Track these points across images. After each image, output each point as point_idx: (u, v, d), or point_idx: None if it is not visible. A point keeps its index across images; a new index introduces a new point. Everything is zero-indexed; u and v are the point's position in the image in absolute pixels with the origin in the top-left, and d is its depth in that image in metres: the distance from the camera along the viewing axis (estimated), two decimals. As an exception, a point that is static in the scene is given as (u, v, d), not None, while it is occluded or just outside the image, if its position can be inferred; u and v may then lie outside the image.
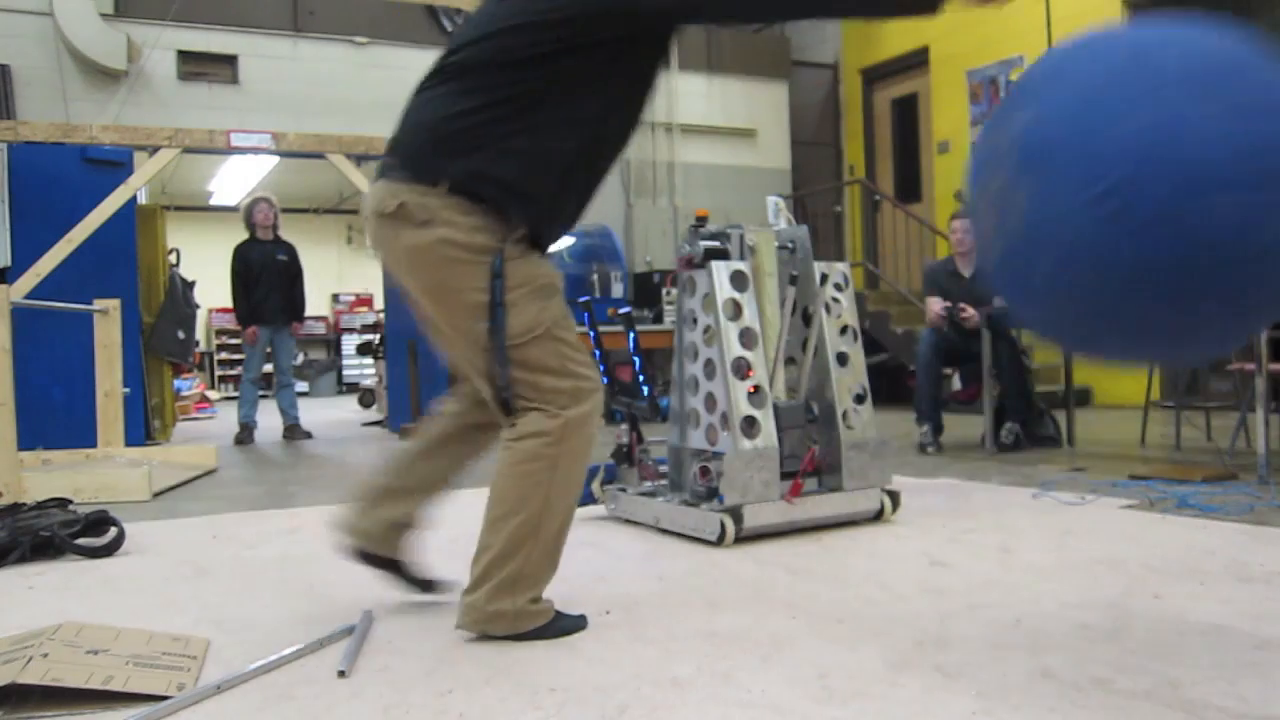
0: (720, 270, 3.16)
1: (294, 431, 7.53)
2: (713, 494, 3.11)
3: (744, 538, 3.00)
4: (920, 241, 9.43)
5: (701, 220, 3.37)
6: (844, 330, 3.38)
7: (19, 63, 7.26)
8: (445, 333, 2.05)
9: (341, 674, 1.86)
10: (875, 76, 10.51)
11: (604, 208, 9.09)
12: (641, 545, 3.05)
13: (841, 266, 3.47)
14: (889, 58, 10.19)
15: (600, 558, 2.89)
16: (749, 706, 1.64)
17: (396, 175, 1.99)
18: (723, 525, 2.96)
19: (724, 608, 2.27)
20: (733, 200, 10.06)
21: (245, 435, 7.28)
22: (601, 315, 7.95)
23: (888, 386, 9.51)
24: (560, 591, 2.46)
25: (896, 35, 9.99)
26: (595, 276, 8.21)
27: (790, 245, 3.47)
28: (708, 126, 9.93)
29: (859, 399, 3.34)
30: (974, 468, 4.59)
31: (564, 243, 8.29)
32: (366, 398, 11.71)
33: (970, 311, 5.15)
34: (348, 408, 12.29)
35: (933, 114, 9.72)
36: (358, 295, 17.66)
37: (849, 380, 3.32)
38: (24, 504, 3.46)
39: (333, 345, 17.55)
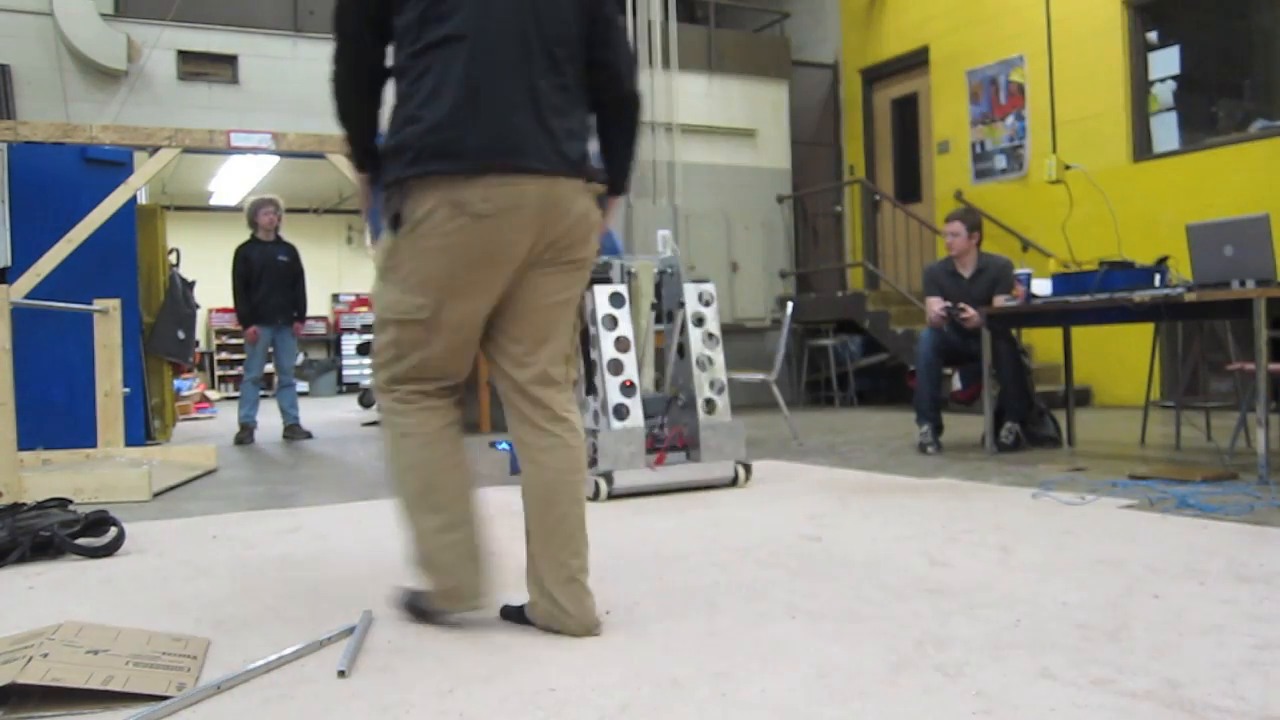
0: (601, 292, 4.08)
1: (294, 431, 7.54)
2: (594, 463, 3.99)
3: (618, 494, 3.96)
4: (920, 241, 9.42)
5: None
6: (710, 337, 4.30)
7: (19, 63, 7.26)
8: (563, 317, 2.19)
9: (341, 674, 1.86)
10: (875, 76, 10.50)
11: (604, 208, 9.06)
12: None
13: (708, 286, 4.38)
14: (889, 58, 10.18)
15: (599, 557, 2.88)
16: (749, 706, 1.64)
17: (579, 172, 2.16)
18: (597, 485, 3.93)
19: (724, 608, 2.27)
20: (732, 200, 10.05)
21: (245, 435, 7.28)
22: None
23: (888, 386, 9.53)
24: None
25: (896, 36, 9.99)
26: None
27: (670, 269, 4.46)
28: (707, 126, 9.93)
29: (719, 390, 4.27)
30: (974, 468, 4.59)
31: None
32: (366, 398, 11.70)
33: (970, 311, 5.15)
34: (348, 408, 12.29)
35: (933, 114, 9.71)
36: (358, 295, 17.66)
37: (708, 377, 4.27)
38: (24, 504, 3.46)
39: (333, 345, 17.57)
